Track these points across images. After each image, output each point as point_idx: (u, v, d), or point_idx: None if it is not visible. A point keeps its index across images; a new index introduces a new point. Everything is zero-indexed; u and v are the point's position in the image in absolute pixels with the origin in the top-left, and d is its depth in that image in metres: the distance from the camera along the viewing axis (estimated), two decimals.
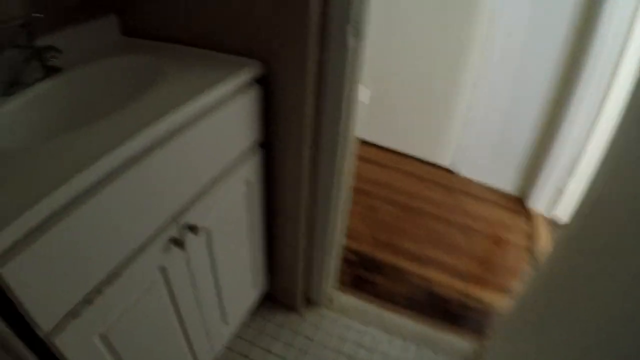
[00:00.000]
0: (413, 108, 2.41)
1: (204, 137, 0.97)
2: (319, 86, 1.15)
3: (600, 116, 1.86)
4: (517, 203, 2.25)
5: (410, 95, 2.38)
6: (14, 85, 0.96)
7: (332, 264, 1.60)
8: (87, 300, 0.79)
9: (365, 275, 1.79)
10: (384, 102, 2.44)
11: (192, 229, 1.01)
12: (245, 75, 1.05)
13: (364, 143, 2.59)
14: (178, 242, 0.97)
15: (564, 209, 2.05)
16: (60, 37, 1.07)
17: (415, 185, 2.31)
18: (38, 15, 0.98)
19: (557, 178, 2.06)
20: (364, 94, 2.32)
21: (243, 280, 1.40)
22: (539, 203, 2.18)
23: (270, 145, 1.24)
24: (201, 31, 1.15)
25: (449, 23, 2.10)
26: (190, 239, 1.02)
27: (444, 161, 2.47)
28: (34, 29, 0.98)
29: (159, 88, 0.95)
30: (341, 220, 1.50)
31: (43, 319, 0.70)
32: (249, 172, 1.18)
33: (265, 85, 1.14)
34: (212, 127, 0.98)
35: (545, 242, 1.97)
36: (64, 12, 1.11)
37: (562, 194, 2.07)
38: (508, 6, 1.90)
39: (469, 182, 2.38)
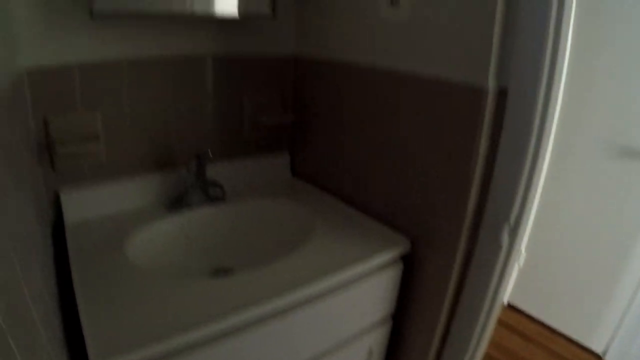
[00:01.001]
0: (570, 280, 2.18)
1: (340, 305, 1.00)
2: (463, 276, 1.12)
3: None
4: None
5: (570, 265, 2.17)
6: (178, 203, 1.12)
7: None
8: None
9: None
10: (540, 267, 2.26)
11: None
12: (393, 253, 1.07)
13: (510, 307, 2.39)
14: None
15: None
16: (232, 165, 1.24)
17: None
18: (209, 152, 1.15)
19: None
20: (520, 256, 2.19)
21: None
22: None
23: (400, 316, 1.22)
24: (361, 196, 1.23)
25: (626, 196, 1.92)
26: None
27: (597, 346, 2.15)
28: (210, 153, 1.16)
29: (307, 247, 1.03)
30: None
31: None
32: (374, 341, 1.17)
33: (408, 261, 1.14)
34: (349, 298, 1.01)
35: None
36: (243, 145, 1.29)
37: None
38: None
39: None
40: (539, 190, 2.01)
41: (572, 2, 1.02)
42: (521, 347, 2.13)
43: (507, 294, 2.35)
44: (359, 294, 1.03)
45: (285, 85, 1.40)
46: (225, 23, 1.21)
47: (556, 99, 1.05)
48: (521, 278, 2.32)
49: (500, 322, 2.27)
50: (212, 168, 1.21)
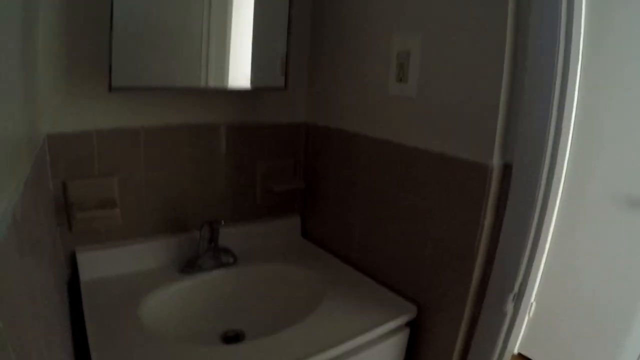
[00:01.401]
0: (581, 330, 2.17)
1: None
2: (469, 341, 1.14)
3: None
4: None
5: (581, 315, 2.16)
6: (191, 266, 1.16)
7: None
8: None
9: None
10: (550, 316, 2.26)
11: None
12: (400, 321, 1.10)
13: (521, 356, 2.39)
14: None
15: None
16: (244, 229, 1.31)
17: None
18: (221, 221, 1.20)
19: None
20: (529, 306, 2.19)
21: None
22: None
23: None
24: (369, 261, 1.26)
25: (636, 248, 1.93)
26: None
27: None
28: (223, 222, 1.21)
29: (317, 315, 1.06)
30: None
31: None
32: None
33: (414, 326, 1.17)
34: None
35: None
36: (255, 209, 1.33)
37: None
38: None
39: None
40: (544, 256, 2.03)
41: (575, 82, 1.06)
42: None
43: (517, 344, 2.35)
44: (367, 357, 1.05)
45: (297, 151, 1.45)
46: (238, 93, 1.26)
47: (560, 173, 1.08)
48: (531, 327, 2.32)
49: None
50: (224, 231, 1.24)
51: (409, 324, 1.15)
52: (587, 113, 1.92)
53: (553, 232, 2.08)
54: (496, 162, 0.98)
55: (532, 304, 2.25)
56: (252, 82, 1.19)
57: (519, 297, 1.09)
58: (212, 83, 1.14)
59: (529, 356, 2.34)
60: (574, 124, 1.89)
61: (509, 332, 1.14)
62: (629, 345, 2.02)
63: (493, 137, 0.97)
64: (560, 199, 2.02)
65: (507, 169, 1.01)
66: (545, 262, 2.15)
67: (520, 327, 1.18)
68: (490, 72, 0.95)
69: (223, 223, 1.19)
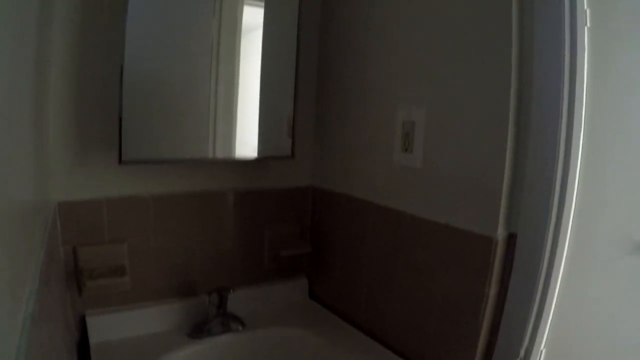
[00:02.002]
0: None
1: None
2: None
3: None
4: None
5: None
6: (199, 330, 1.17)
7: None
8: None
9: None
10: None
11: None
12: None
13: None
14: None
15: None
16: (252, 292, 1.33)
17: None
18: (230, 290, 1.22)
19: None
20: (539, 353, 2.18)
21: None
22: None
23: None
24: (377, 325, 1.27)
25: None
26: None
27: None
28: (231, 290, 1.23)
29: None
30: None
31: None
32: None
33: None
34: None
35: None
36: (263, 272, 1.35)
37: None
38: None
39: None
40: (551, 313, 2.01)
41: (578, 153, 1.07)
42: None
43: None
44: None
45: (304, 214, 1.48)
46: (246, 161, 1.29)
47: (564, 239, 1.09)
48: None
49: None
50: (233, 295, 1.26)
51: None
52: (592, 166, 1.92)
53: (561, 284, 2.08)
54: (501, 233, 1.00)
55: (542, 351, 2.25)
56: (259, 152, 1.22)
57: None
58: (220, 154, 1.17)
59: None
60: (579, 181, 1.90)
61: None
62: None
63: (498, 209, 0.99)
64: (568, 250, 2.03)
65: (511, 238, 1.02)
66: (555, 312, 2.15)
67: None
68: (494, 145, 0.97)
69: (232, 291, 1.21)
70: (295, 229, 1.43)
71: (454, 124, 1.05)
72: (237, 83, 1.15)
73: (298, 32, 1.22)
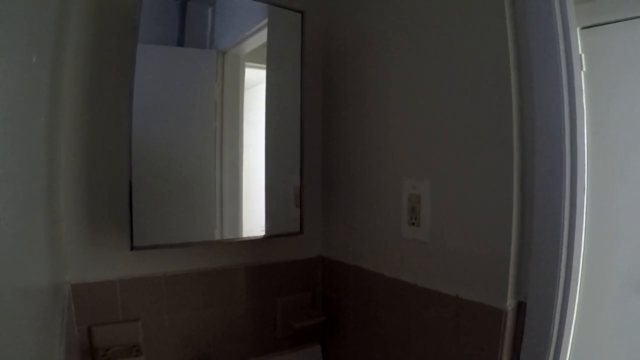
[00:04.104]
0: None
1: None
2: None
3: None
4: None
5: None
6: None
7: None
8: None
9: None
10: None
11: None
12: None
13: None
14: None
15: None
16: None
17: None
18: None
19: None
20: None
21: None
22: None
23: None
24: None
25: None
26: None
27: None
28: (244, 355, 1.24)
29: None
30: None
31: None
32: None
33: None
34: None
35: None
36: (276, 342, 1.36)
37: None
38: None
39: None
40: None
41: (583, 215, 1.08)
42: None
43: None
44: None
45: (315, 283, 1.50)
46: (254, 240, 1.30)
47: (573, 305, 1.10)
48: None
49: None
50: None
51: None
52: (599, 216, 1.94)
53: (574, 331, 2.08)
54: (510, 304, 1.01)
55: None
56: (267, 231, 1.23)
57: None
58: (228, 236, 1.18)
59: None
60: (585, 237, 1.89)
61: None
62: None
63: (506, 280, 1.00)
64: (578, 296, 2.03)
65: (521, 306, 1.03)
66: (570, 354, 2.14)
67: None
68: (500, 216, 0.99)
69: None
70: (306, 298, 1.44)
71: (459, 198, 1.06)
72: (242, 165, 1.17)
73: (301, 104, 1.24)
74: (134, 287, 1.16)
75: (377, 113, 1.27)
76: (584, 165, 1.06)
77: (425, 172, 1.13)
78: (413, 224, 1.14)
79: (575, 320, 1.99)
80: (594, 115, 1.66)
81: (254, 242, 1.31)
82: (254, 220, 1.21)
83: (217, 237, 1.17)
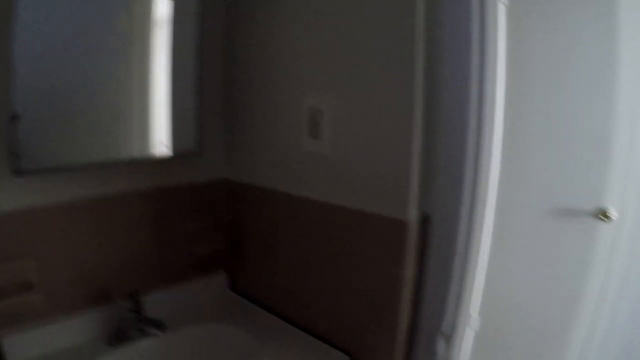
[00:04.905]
0: (525, 336, 2.25)
1: None
2: None
3: None
4: None
5: (523, 322, 2.24)
6: (118, 338, 1.14)
7: None
8: None
9: None
10: (496, 328, 2.33)
11: None
12: None
13: None
14: None
15: None
16: (171, 292, 1.29)
17: None
18: (143, 292, 1.18)
19: None
20: (472, 320, 2.26)
21: None
22: None
23: None
24: (299, 314, 1.28)
25: (567, 252, 2.02)
26: None
27: None
28: (143, 292, 1.19)
29: None
30: None
31: None
32: None
33: None
34: None
35: None
36: (180, 271, 1.31)
37: None
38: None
39: None
40: (474, 293, 2.08)
41: (492, 130, 1.08)
42: None
43: (467, 356, 2.42)
44: None
45: (218, 208, 1.42)
46: (154, 162, 1.23)
47: (482, 220, 1.10)
48: (480, 338, 2.38)
49: None
50: (151, 297, 1.22)
51: None
52: (513, 140, 1.99)
53: (489, 250, 2.17)
54: (413, 216, 1.00)
55: (476, 318, 2.33)
56: (167, 149, 1.16)
57: (451, 338, 1.12)
58: (126, 154, 1.11)
59: None
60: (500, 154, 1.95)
61: None
62: (573, 345, 2.11)
63: (407, 192, 0.99)
64: (490, 224, 2.11)
65: (426, 220, 1.02)
66: (484, 279, 2.24)
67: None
68: (402, 127, 0.97)
69: (146, 294, 1.17)
70: (210, 223, 1.38)
71: (361, 110, 1.04)
72: (142, 80, 1.09)
73: (203, 19, 1.16)
74: (20, 220, 1.07)
75: (281, 28, 1.20)
76: (495, 77, 1.05)
77: (328, 86, 1.08)
78: (314, 136, 1.10)
79: (491, 243, 2.07)
80: (517, 50, 1.68)
81: (153, 165, 1.23)
82: (154, 139, 1.14)
83: (115, 155, 1.09)
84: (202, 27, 1.19)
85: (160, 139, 1.15)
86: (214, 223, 1.40)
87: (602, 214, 1.84)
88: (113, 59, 1.06)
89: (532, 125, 1.94)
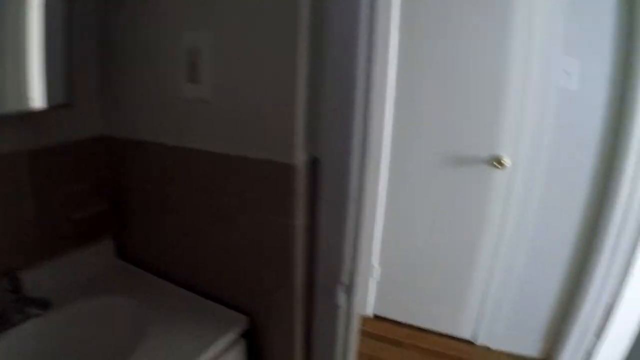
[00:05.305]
0: (429, 281, 2.35)
1: None
2: (309, 341, 1.11)
3: (627, 277, 1.79)
4: None
5: (426, 269, 2.34)
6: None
7: None
8: None
9: None
10: (398, 276, 2.40)
11: None
12: (231, 335, 1.04)
13: (378, 319, 2.50)
14: None
15: None
16: (54, 266, 1.14)
17: None
18: (18, 268, 1.03)
19: (586, 341, 1.96)
20: (375, 270, 2.29)
21: None
22: None
23: None
24: (194, 277, 1.18)
25: (465, 199, 2.11)
26: None
27: (465, 333, 2.35)
28: (23, 262, 1.06)
29: (145, 348, 0.96)
30: None
31: None
32: None
33: (252, 337, 1.11)
34: None
35: None
36: (61, 241, 1.16)
37: (591, 358, 1.95)
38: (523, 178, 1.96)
39: (492, 353, 2.24)
40: (374, 238, 2.11)
41: (387, 71, 1.03)
42: (395, 354, 2.24)
43: (371, 307, 2.47)
44: None
45: (98, 168, 1.25)
46: (20, 118, 1.04)
47: (376, 165, 1.07)
48: (383, 289, 2.44)
49: (370, 335, 2.37)
50: (31, 274, 1.07)
51: (244, 335, 1.09)
52: (408, 87, 2.05)
53: (386, 199, 2.21)
54: (301, 159, 0.94)
55: (376, 267, 2.37)
56: (34, 102, 0.98)
57: (350, 287, 1.08)
58: None
59: (385, 315, 2.48)
60: (394, 103, 1.97)
61: (349, 324, 1.13)
62: (475, 284, 2.22)
63: (292, 135, 0.92)
64: (389, 167, 2.15)
65: (315, 164, 0.97)
66: (382, 227, 2.29)
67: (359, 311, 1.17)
68: (285, 67, 0.89)
69: (23, 270, 1.02)
70: (89, 186, 1.22)
71: (242, 51, 0.95)
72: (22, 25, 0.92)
73: None
74: None
75: None
76: (389, 17, 1.01)
77: (206, 22, 0.97)
78: (194, 80, 1.00)
79: (387, 189, 2.10)
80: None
81: (20, 123, 1.04)
82: (18, 91, 0.96)
83: None
84: None
85: (26, 91, 0.97)
86: (95, 185, 1.23)
87: (496, 162, 1.91)
88: None
89: (428, 77, 1.99)
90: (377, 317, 2.51)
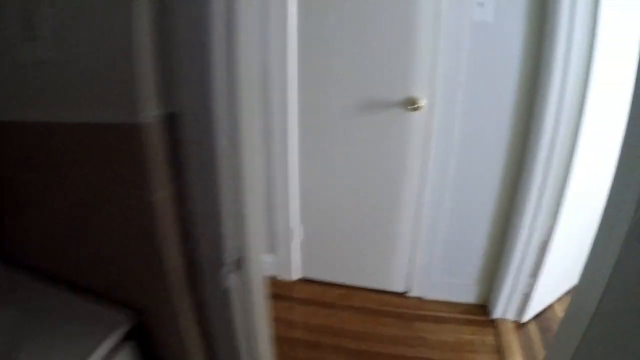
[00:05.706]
0: (355, 236, 2.25)
1: None
2: (207, 328, 0.95)
3: (559, 215, 1.75)
4: (481, 312, 2.12)
5: (351, 224, 2.23)
6: None
7: None
8: None
9: None
10: (323, 235, 2.28)
11: None
12: (113, 339, 0.86)
13: (306, 281, 2.39)
14: None
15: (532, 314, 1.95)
16: None
17: (366, 323, 2.08)
18: None
19: (521, 282, 1.95)
20: (296, 231, 2.15)
21: None
22: (504, 312, 2.04)
23: None
24: (67, 270, 0.98)
25: (383, 145, 1.99)
26: None
27: (398, 287, 2.29)
28: None
29: None
30: None
31: None
32: None
33: (142, 333, 0.94)
34: None
35: (517, 354, 1.82)
36: None
37: (528, 299, 1.95)
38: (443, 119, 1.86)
39: (427, 303, 2.21)
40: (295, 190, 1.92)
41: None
42: (325, 318, 2.14)
43: (298, 270, 2.35)
44: None
45: None
46: None
47: (252, 117, 0.88)
48: (309, 250, 2.32)
49: (300, 300, 2.26)
50: None
51: (131, 334, 0.92)
52: (309, 35, 1.86)
53: (299, 154, 2.07)
54: (150, 117, 0.74)
55: (298, 228, 2.24)
56: None
57: (242, 263, 0.92)
58: None
59: (314, 278, 2.38)
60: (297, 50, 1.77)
61: (247, 303, 0.98)
62: (401, 236, 2.14)
63: (138, 93, 0.72)
64: (299, 120, 1.98)
65: (173, 120, 0.78)
66: (299, 185, 2.15)
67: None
68: (124, 24, 0.70)
69: None
70: None
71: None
72: None
73: None
74: None
75: None
76: None
77: None
78: (30, 37, 0.77)
79: (300, 144, 1.94)
80: None
81: None
82: None
83: None
84: None
85: None
86: None
87: (412, 103, 1.78)
88: None
89: (332, 20, 1.80)
90: (306, 281, 2.39)
